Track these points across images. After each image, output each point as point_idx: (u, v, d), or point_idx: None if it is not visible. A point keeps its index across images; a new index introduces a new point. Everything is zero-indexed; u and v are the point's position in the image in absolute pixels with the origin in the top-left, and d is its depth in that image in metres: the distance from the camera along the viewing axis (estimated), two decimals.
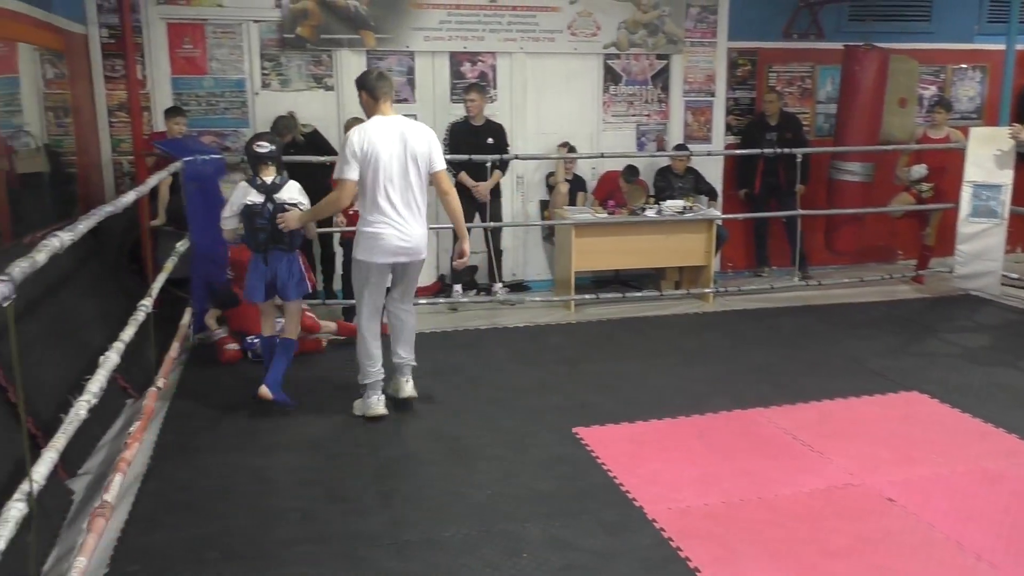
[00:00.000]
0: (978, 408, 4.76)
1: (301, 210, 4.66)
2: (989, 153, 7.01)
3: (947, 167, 7.54)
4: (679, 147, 7.75)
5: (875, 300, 7.30)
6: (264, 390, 4.66)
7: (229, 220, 4.68)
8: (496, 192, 7.13)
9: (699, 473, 4.00)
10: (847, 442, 4.34)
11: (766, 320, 6.72)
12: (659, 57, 7.92)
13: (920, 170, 7.54)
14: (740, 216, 7.89)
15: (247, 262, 4.88)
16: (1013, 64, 7.42)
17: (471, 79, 7.39)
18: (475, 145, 6.78)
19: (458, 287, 7.20)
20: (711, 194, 7.75)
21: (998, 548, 3.33)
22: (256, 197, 4.60)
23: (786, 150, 7.37)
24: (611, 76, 7.85)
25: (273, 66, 7.09)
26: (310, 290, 4.96)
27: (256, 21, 6.99)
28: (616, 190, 7.44)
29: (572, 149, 7.54)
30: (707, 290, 7.25)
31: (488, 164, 6.70)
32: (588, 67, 7.77)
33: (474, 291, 7.47)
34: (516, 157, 7.00)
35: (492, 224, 6.92)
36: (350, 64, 7.14)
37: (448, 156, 6.74)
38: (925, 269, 7.88)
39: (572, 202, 7.53)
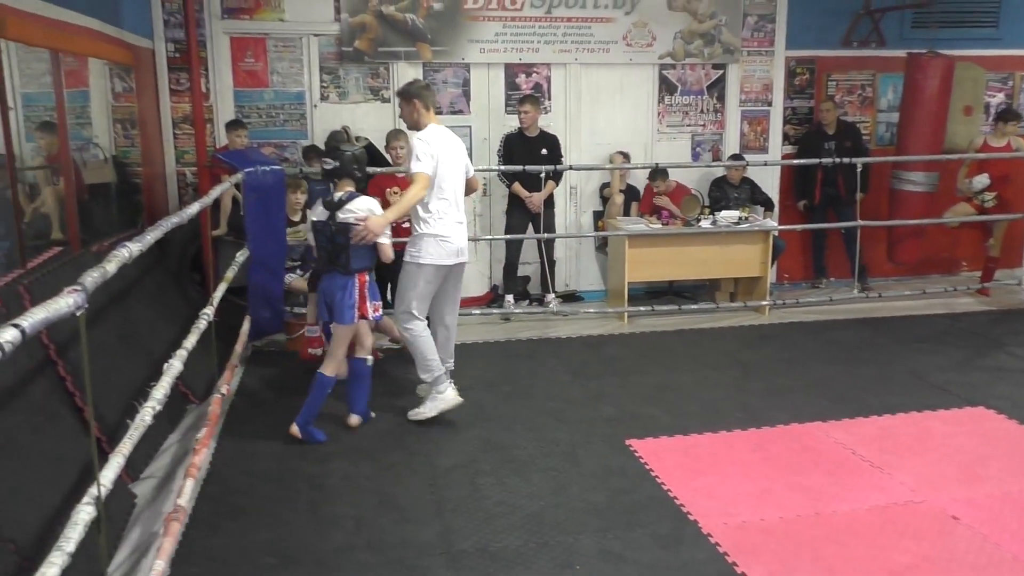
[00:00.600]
0: None
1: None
2: None
3: (1010, 176, 7.34)
4: (734, 157, 7.67)
5: (938, 313, 7.13)
6: (293, 429, 4.55)
7: (310, 235, 4.66)
8: (550, 203, 7.14)
9: (755, 488, 3.94)
10: (909, 458, 4.24)
11: (824, 333, 6.60)
12: (715, 67, 7.85)
13: (983, 180, 7.35)
14: (798, 227, 7.76)
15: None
16: None
17: (526, 90, 7.42)
18: (529, 156, 6.81)
19: (510, 297, 7.22)
20: (767, 204, 7.66)
21: None
22: (321, 214, 4.48)
23: (845, 159, 7.25)
24: (666, 86, 7.81)
25: (331, 79, 7.21)
26: (355, 320, 4.50)
27: (316, 35, 7.12)
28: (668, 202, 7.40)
29: (628, 158, 7.51)
30: (763, 302, 7.16)
31: (542, 175, 6.72)
32: (643, 77, 7.74)
33: (527, 302, 7.48)
34: (570, 168, 7.01)
35: (545, 236, 6.92)
36: (407, 76, 7.21)
37: (502, 167, 6.86)
38: (990, 281, 7.67)
39: (627, 212, 7.50)
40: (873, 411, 4.88)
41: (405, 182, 6.16)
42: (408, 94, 4.80)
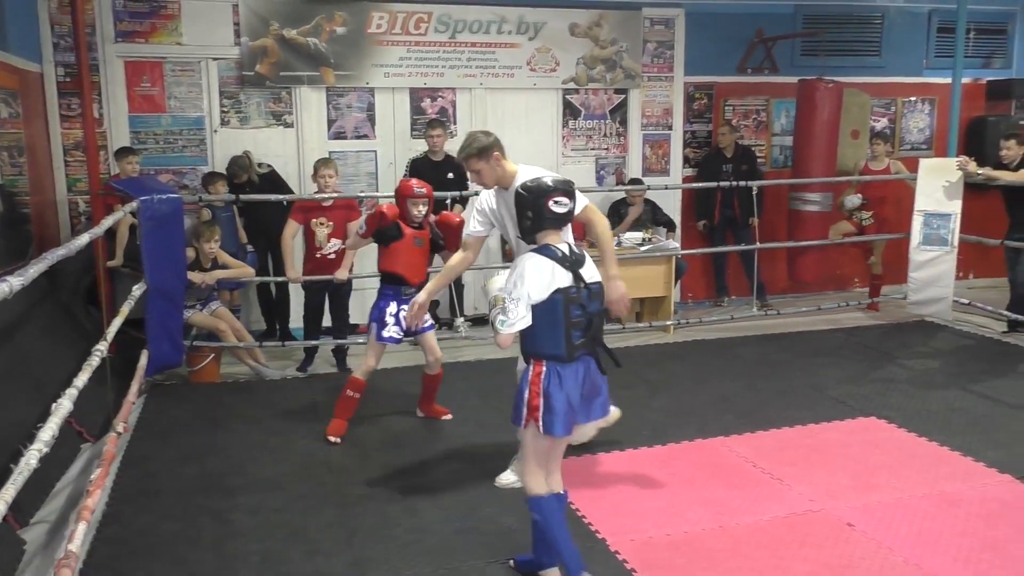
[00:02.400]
0: (935, 432, 4.83)
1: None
2: (939, 183, 7.18)
3: (888, 197, 7.75)
4: (634, 181, 7.86)
5: (833, 328, 7.42)
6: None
7: (522, 318, 3.03)
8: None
9: (662, 504, 4.01)
10: (808, 469, 4.38)
11: (727, 350, 6.79)
12: (617, 92, 8.05)
13: (853, 200, 7.74)
14: (698, 252, 7.97)
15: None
16: (959, 97, 7.65)
17: (431, 115, 7.45)
18: (436, 180, 6.79)
19: None
20: (669, 226, 7.86)
21: (956, 570, 3.38)
22: (565, 278, 3.09)
23: (741, 183, 7.51)
24: (570, 110, 7.96)
25: (232, 104, 7.09)
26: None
27: (215, 59, 7.01)
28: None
29: None
30: (668, 321, 7.32)
31: (448, 199, 6.73)
32: (547, 102, 7.87)
33: (436, 326, 7.45)
34: (476, 193, 7.02)
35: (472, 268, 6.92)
36: (309, 101, 7.17)
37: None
38: (877, 296, 8.05)
39: None
40: (774, 424, 5.03)
41: (333, 213, 6.09)
42: (482, 147, 3.93)
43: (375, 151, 7.47)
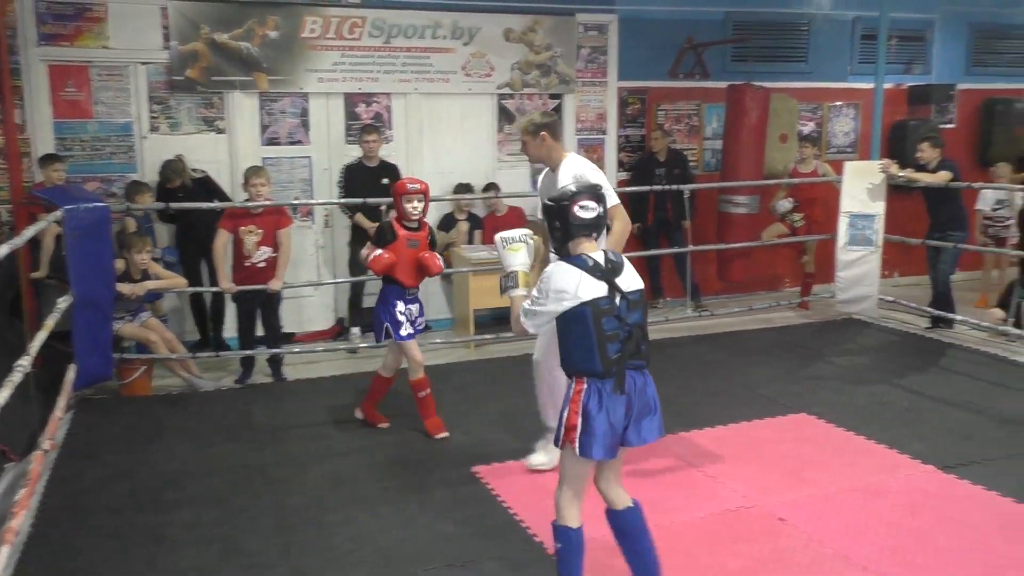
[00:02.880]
0: (862, 426, 4.98)
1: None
2: (863, 185, 7.41)
3: (817, 198, 7.98)
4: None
5: (765, 327, 7.59)
6: None
7: (539, 325, 3.06)
8: None
9: (599, 505, 4.04)
10: (742, 466, 4.48)
11: (662, 351, 6.86)
12: (552, 97, 8.10)
13: (784, 204, 7.94)
14: (633, 254, 8.05)
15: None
16: (882, 102, 7.89)
17: (366, 120, 7.40)
18: (370, 186, 6.78)
19: (356, 330, 7.14)
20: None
21: (883, 560, 3.49)
22: (598, 288, 2.91)
23: (673, 186, 7.64)
24: (505, 116, 7.99)
25: (162, 109, 6.95)
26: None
27: (144, 63, 6.85)
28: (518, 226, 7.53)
29: (471, 189, 7.61)
30: None
31: (383, 206, 6.70)
32: (483, 107, 7.89)
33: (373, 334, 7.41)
34: None
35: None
36: (242, 107, 7.07)
37: (343, 198, 6.80)
38: (809, 295, 8.26)
39: (471, 240, 7.59)
40: (708, 423, 5.12)
41: (263, 220, 6.00)
42: (537, 127, 4.23)
43: (309, 157, 7.39)
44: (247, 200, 6.09)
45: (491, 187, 7.66)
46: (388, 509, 4.08)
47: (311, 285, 7.16)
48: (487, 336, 7.07)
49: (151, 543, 3.79)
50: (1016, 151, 8.89)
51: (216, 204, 6.17)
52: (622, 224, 4.25)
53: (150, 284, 5.96)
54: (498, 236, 3.34)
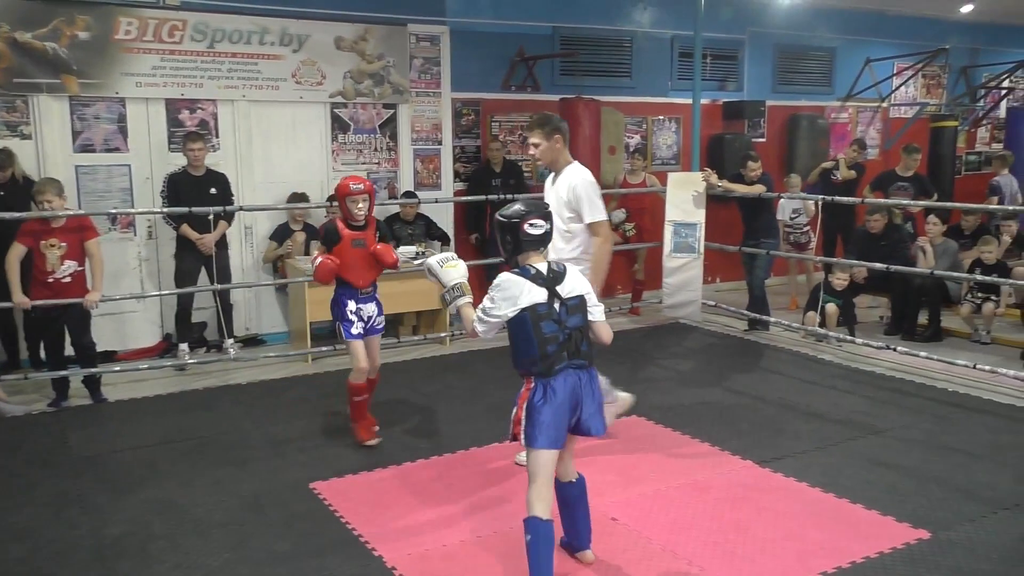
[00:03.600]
0: (688, 426, 5.24)
1: (589, 300, 3.34)
2: (686, 195, 7.81)
3: (646, 208, 8.36)
4: (407, 194, 7.89)
5: None
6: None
7: (489, 329, 3.29)
8: (223, 244, 6.87)
9: (438, 515, 4.05)
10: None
11: (501, 359, 6.85)
12: (386, 106, 8.05)
13: (619, 214, 8.28)
14: (471, 263, 8.08)
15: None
16: (700, 116, 8.36)
17: (190, 127, 7.09)
18: (197, 196, 6.50)
19: (185, 346, 6.82)
20: (443, 239, 7.96)
21: (706, 553, 3.67)
22: (539, 294, 3.20)
23: (509, 196, 7.75)
24: (339, 124, 7.86)
25: None
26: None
27: None
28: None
29: (304, 198, 7.43)
30: (444, 334, 7.41)
31: (210, 216, 6.43)
32: (315, 115, 7.73)
33: (204, 349, 7.11)
34: (241, 208, 6.78)
35: (220, 287, 6.64)
36: (50, 110, 6.60)
37: (168, 208, 6.49)
38: (639, 301, 8.61)
39: (307, 252, 7.41)
40: None
41: (65, 234, 5.57)
42: (554, 128, 4.36)
43: (129, 165, 6.98)
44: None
45: (332, 198, 7.49)
46: (219, 532, 3.91)
47: (134, 298, 6.76)
48: (324, 348, 6.92)
49: None
50: (819, 164, 9.65)
51: (22, 215, 5.69)
52: (603, 241, 4.47)
53: None
54: (429, 261, 3.60)
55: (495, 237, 3.42)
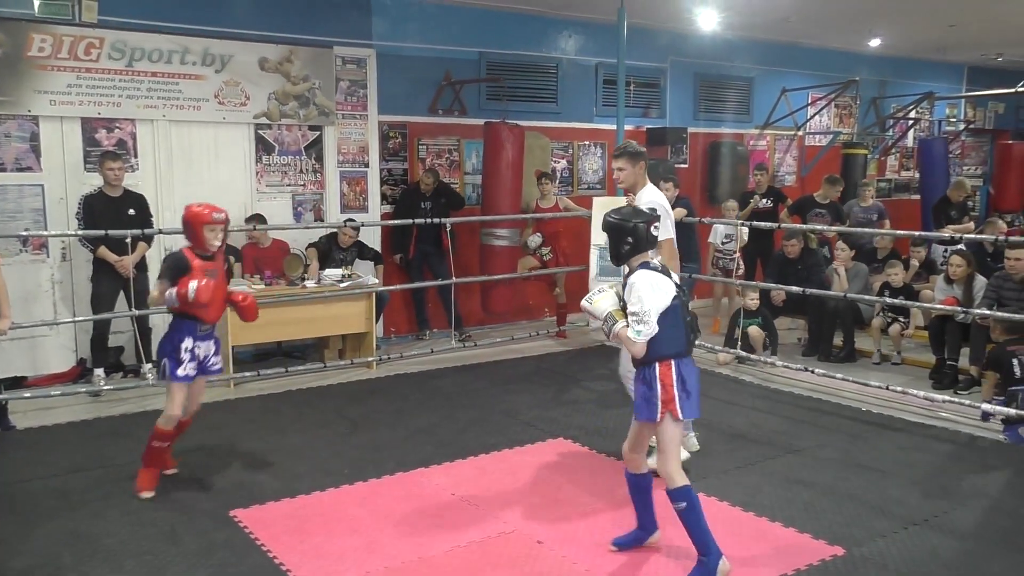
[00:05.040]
0: (612, 448, 5.27)
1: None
2: None
3: (561, 231, 8.46)
4: (349, 221, 7.73)
5: (526, 356, 7.87)
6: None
7: (651, 328, 3.49)
8: (142, 266, 6.70)
9: (362, 541, 4.00)
10: (503, 493, 4.60)
11: (427, 382, 6.95)
12: (312, 128, 7.99)
13: (535, 239, 8.38)
14: (398, 287, 8.07)
15: None
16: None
17: (108, 147, 6.91)
18: (115, 217, 6.34)
19: (100, 371, 6.60)
20: (377, 259, 7.92)
21: (626, 573, 3.71)
22: (672, 285, 3.61)
23: (436, 220, 7.75)
24: (263, 146, 7.77)
25: None
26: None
27: None
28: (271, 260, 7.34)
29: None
30: (370, 358, 7.35)
31: (128, 238, 6.26)
32: (238, 136, 7.62)
33: (120, 374, 6.90)
34: (160, 232, 6.61)
35: (138, 312, 6.46)
36: None
37: (82, 231, 6.30)
38: (564, 324, 8.69)
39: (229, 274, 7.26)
40: (471, 452, 5.22)
41: None
42: (636, 155, 4.84)
43: (42, 185, 6.76)
44: None
45: (255, 218, 7.39)
46: (133, 563, 3.78)
47: (46, 324, 6.53)
48: (247, 374, 6.79)
49: None
50: (739, 189, 9.92)
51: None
52: (667, 256, 4.68)
53: None
54: (584, 305, 3.79)
55: (620, 239, 3.65)
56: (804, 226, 8.29)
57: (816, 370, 6.87)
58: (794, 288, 7.22)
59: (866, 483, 4.78)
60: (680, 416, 3.57)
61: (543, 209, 8.48)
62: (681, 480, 3.57)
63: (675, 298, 3.56)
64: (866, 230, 8.35)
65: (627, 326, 3.54)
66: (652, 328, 3.47)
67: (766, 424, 5.87)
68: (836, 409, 6.25)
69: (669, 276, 3.62)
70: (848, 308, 7.64)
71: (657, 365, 3.56)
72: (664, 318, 3.50)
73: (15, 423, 5.77)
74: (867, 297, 7.52)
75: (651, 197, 4.87)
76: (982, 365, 6.27)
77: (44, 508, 4.38)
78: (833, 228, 8.20)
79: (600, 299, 3.68)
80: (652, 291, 3.49)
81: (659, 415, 3.56)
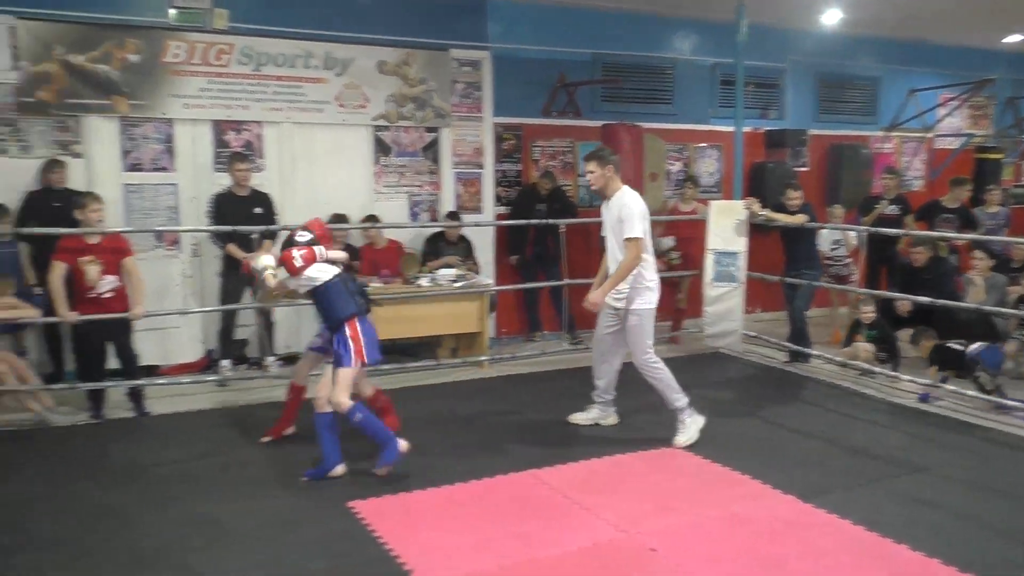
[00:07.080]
0: (726, 457, 5.15)
1: None
2: (728, 223, 7.76)
3: (695, 236, 8.29)
4: (451, 215, 7.93)
5: None
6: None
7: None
8: None
9: (474, 539, 4.03)
10: (612, 497, 4.54)
11: (537, 384, 6.96)
12: (428, 130, 8.13)
13: (668, 242, 8.23)
14: (511, 287, 8.13)
15: None
16: (742, 144, 8.31)
17: (236, 148, 7.21)
18: (242, 216, 6.60)
19: (226, 362, 6.89)
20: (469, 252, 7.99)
21: None
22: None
23: (551, 221, 7.75)
24: (382, 147, 7.95)
25: (11, 131, 6.54)
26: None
27: None
28: (391, 260, 7.50)
29: (346, 219, 7.49)
30: (483, 357, 7.41)
31: (255, 235, 6.51)
32: (358, 138, 7.82)
33: (244, 366, 7.18)
34: (285, 228, 6.84)
35: (259, 304, 6.71)
36: (100, 131, 6.76)
37: (214, 227, 6.58)
38: (679, 330, 8.54)
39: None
40: (582, 456, 5.18)
41: (101, 252, 5.69)
42: (604, 158, 5.16)
43: (175, 184, 7.12)
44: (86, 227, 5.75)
45: (370, 218, 7.58)
46: (258, 547, 3.92)
47: (176, 314, 6.86)
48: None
49: None
50: (862, 194, 9.53)
51: (69, 231, 5.79)
52: (632, 257, 5.15)
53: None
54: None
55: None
56: (932, 233, 7.89)
57: (946, 386, 6.52)
58: (923, 299, 6.86)
59: (999, 508, 4.49)
60: (367, 361, 4.71)
61: (682, 212, 8.36)
62: (349, 403, 4.64)
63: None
64: (997, 238, 7.90)
65: (273, 275, 4.90)
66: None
67: (887, 440, 5.61)
68: (964, 427, 5.91)
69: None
70: (981, 321, 7.23)
71: (347, 326, 4.69)
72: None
73: (149, 408, 6.08)
74: (1002, 310, 7.08)
75: (627, 199, 5.11)
76: None
77: (175, 491, 4.59)
78: (964, 236, 7.78)
79: (262, 259, 5.00)
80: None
81: (353, 360, 4.64)
